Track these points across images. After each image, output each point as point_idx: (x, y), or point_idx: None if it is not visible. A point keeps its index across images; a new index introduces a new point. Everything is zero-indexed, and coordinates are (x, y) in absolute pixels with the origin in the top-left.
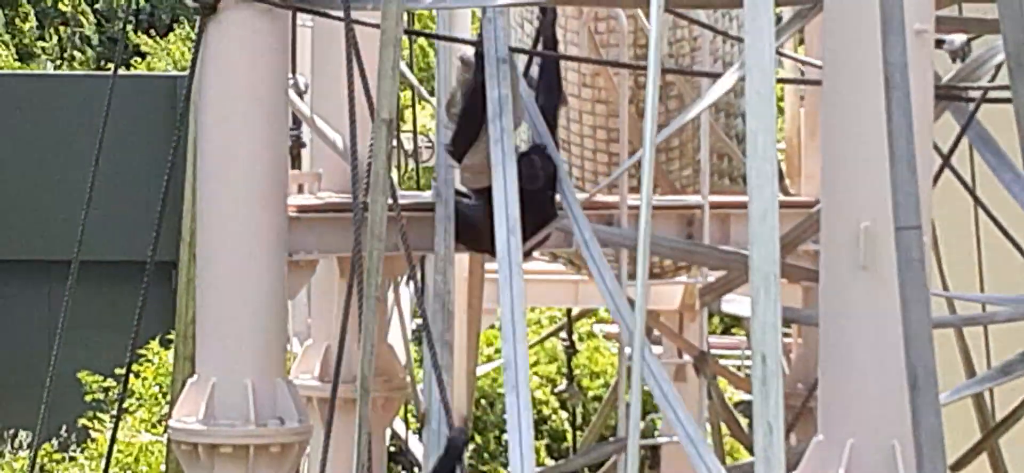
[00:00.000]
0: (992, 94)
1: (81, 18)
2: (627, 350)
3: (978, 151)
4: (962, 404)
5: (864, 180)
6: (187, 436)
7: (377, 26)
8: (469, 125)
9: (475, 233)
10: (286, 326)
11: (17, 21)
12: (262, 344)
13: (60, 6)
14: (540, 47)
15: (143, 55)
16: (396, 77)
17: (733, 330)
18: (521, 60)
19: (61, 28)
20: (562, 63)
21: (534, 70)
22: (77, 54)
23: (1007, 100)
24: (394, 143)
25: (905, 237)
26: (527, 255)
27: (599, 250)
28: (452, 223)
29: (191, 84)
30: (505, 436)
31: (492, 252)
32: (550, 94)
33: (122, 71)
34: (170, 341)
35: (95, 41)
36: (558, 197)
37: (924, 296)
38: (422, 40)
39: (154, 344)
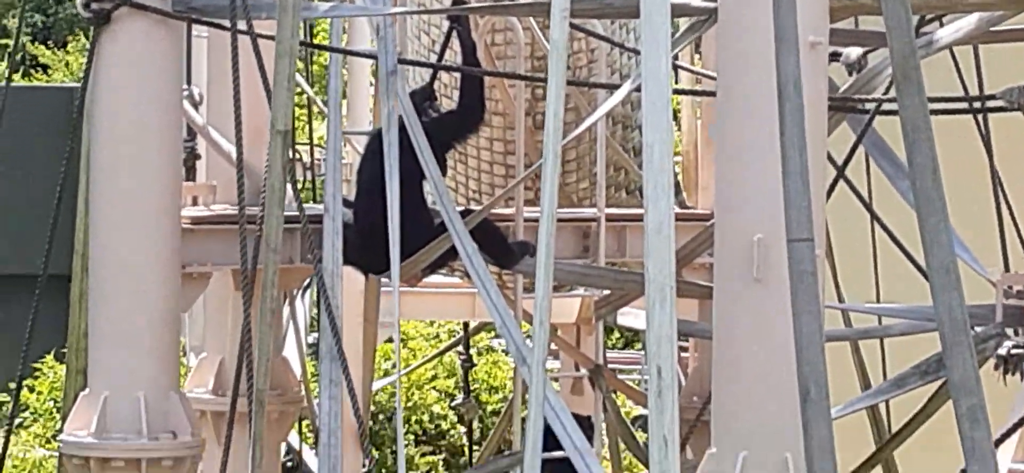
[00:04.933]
0: (887, 105)
1: None
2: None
3: (874, 160)
4: (858, 417)
5: (757, 192)
6: (78, 450)
7: (272, 37)
8: None
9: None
10: (179, 339)
11: None
12: (155, 357)
13: None
14: (450, 55)
15: (45, 68)
16: (292, 89)
17: (634, 344)
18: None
19: None
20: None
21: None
22: None
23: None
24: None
25: (797, 249)
26: (428, 274)
27: (483, 265)
28: (340, 237)
29: (84, 95)
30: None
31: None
32: (473, 106)
33: (21, 82)
34: (65, 355)
35: None
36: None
37: (816, 308)
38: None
39: (49, 358)
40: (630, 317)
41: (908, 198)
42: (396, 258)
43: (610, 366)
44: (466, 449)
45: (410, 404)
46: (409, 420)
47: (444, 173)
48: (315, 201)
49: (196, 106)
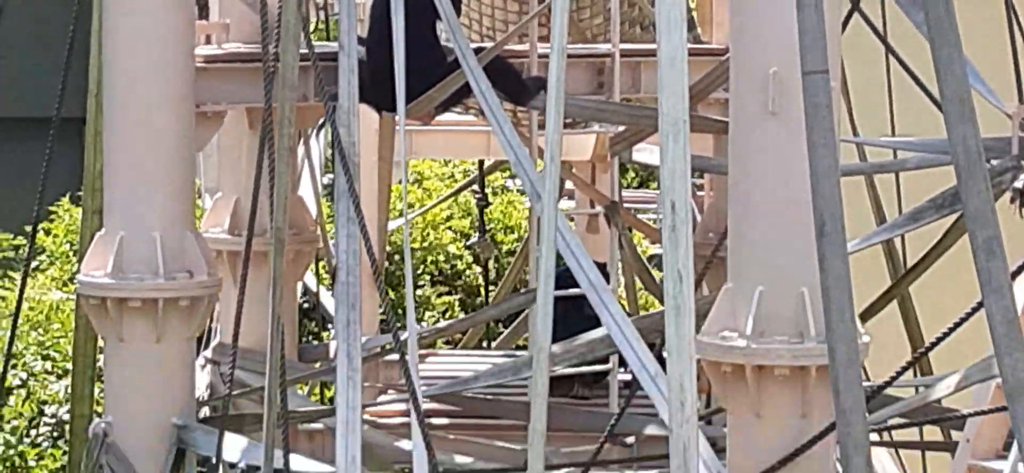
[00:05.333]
0: None
1: None
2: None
3: None
4: (873, 251)
5: (771, 25)
6: (95, 290)
7: None
8: None
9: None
10: (194, 178)
11: None
12: (170, 196)
13: None
14: None
15: None
16: None
17: (649, 183)
18: None
19: None
20: None
21: None
22: None
23: None
24: None
25: (812, 82)
26: (442, 112)
27: (497, 102)
28: (355, 74)
29: None
30: (419, 291)
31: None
32: None
33: None
34: (81, 198)
35: None
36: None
37: (831, 141)
38: None
39: (65, 201)
40: (645, 153)
41: (923, 30)
42: (402, 95)
43: (625, 205)
44: (482, 289)
45: (425, 244)
46: (425, 260)
47: (458, 11)
48: (329, 40)
49: None
